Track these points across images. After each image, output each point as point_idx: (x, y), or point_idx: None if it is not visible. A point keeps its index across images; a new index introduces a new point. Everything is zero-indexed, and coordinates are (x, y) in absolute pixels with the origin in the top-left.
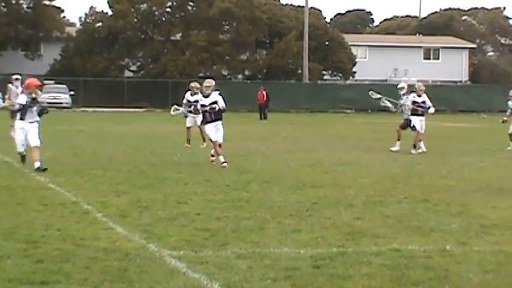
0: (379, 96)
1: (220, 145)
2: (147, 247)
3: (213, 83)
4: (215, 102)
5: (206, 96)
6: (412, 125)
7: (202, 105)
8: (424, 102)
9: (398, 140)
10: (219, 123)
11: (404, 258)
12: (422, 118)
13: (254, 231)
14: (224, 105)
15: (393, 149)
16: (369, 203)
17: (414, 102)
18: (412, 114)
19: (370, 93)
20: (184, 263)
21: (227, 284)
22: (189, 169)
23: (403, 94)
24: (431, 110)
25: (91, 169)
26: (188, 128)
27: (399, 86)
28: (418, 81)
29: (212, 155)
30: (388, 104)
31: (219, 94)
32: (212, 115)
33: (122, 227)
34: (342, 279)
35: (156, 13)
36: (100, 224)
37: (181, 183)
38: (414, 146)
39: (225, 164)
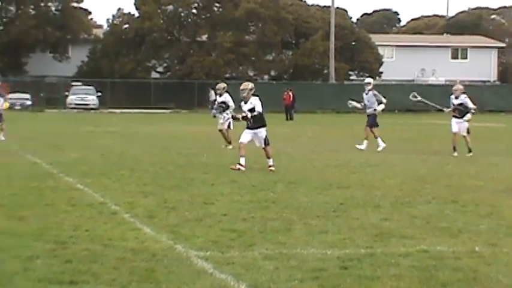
0: (419, 98)
1: (264, 149)
2: (175, 248)
3: (249, 86)
4: (253, 109)
5: (245, 102)
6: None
7: (244, 112)
8: (460, 104)
9: (366, 139)
10: (258, 130)
11: (432, 260)
12: (460, 120)
13: (281, 232)
14: (260, 110)
15: (360, 147)
16: (396, 203)
17: (453, 105)
18: (452, 116)
19: (411, 95)
20: (211, 263)
21: (254, 285)
22: (216, 170)
23: (369, 90)
24: (468, 115)
25: (118, 170)
26: (220, 130)
27: (365, 81)
28: (446, 81)
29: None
30: (431, 104)
31: (258, 98)
32: (251, 122)
33: (149, 227)
34: (369, 281)
35: (182, 14)
36: (128, 224)
37: (208, 184)
38: (469, 150)
39: (271, 168)
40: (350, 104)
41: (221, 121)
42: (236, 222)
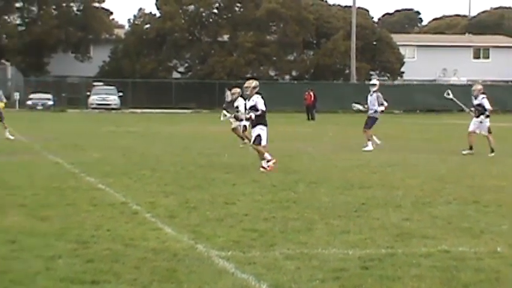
0: (451, 96)
1: (253, 147)
2: (196, 248)
3: (253, 84)
4: (253, 106)
5: (248, 99)
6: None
7: (246, 109)
8: (479, 104)
9: (369, 140)
10: (257, 127)
11: (454, 260)
12: (477, 120)
13: (302, 232)
14: (263, 108)
15: (365, 149)
16: (417, 203)
17: (472, 105)
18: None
19: (445, 93)
20: (232, 263)
21: (275, 285)
22: (237, 170)
23: (374, 91)
24: (482, 116)
25: (140, 170)
26: (233, 129)
27: (372, 83)
28: (468, 81)
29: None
30: (460, 104)
31: (261, 96)
32: (252, 119)
33: (171, 227)
34: (390, 281)
35: (204, 14)
36: (149, 224)
37: (229, 184)
38: (492, 150)
39: (261, 169)
40: (354, 106)
41: (232, 120)
42: (257, 222)
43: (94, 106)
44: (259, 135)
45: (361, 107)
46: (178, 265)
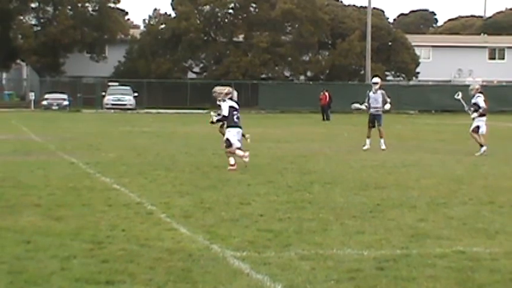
0: (459, 97)
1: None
2: (211, 248)
3: (225, 90)
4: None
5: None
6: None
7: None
8: (475, 103)
9: (381, 137)
10: (225, 130)
11: (469, 261)
12: (482, 118)
13: (317, 233)
14: (225, 113)
15: (364, 148)
16: (432, 204)
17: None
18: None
19: (456, 94)
20: (247, 263)
21: (290, 285)
22: (252, 170)
23: (377, 89)
24: (475, 113)
25: (155, 170)
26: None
27: (374, 81)
28: (483, 81)
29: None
30: (465, 105)
31: (227, 104)
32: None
33: (186, 227)
34: (405, 281)
35: (219, 14)
36: (164, 224)
37: (244, 184)
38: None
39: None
40: (354, 106)
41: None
42: (272, 222)
43: (109, 106)
44: (227, 139)
45: (361, 106)
46: (193, 265)
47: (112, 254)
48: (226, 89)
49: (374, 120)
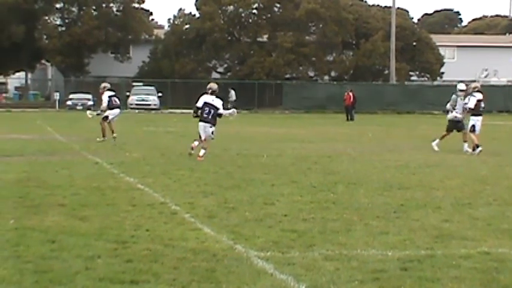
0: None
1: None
2: (235, 248)
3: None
4: (214, 106)
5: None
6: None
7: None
8: (466, 103)
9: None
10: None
11: (494, 262)
12: (473, 118)
13: (341, 233)
14: (198, 105)
15: (476, 152)
16: (457, 205)
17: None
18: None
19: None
20: (271, 264)
21: (314, 285)
22: (275, 170)
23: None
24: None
25: (178, 170)
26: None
27: (461, 88)
28: (508, 81)
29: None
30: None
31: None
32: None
33: (210, 227)
34: (430, 282)
35: (243, 15)
36: (188, 224)
37: (268, 185)
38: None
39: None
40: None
41: None
42: (296, 222)
43: (133, 106)
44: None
45: (229, 113)
46: (218, 265)
47: (136, 253)
48: (209, 85)
49: (456, 126)
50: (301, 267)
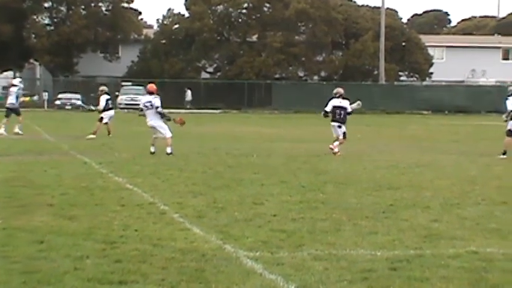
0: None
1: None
2: (224, 248)
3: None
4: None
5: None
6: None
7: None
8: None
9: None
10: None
11: (482, 261)
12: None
13: (330, 233)
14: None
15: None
16: (446, 205)
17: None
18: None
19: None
20: (260, 264)
21: (303, 285)
22: (265, 170)
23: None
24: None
25: (168, 170)
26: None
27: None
28: (496, 82)
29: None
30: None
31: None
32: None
33: (199, 227)
34: (419, 282)
35: (233, 14)
36: (177, 224)
37: (258, 184)
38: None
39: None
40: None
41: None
42: (286, 222)
43: (123, 106)
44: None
45: (355, 106)
46: (207, 265)
47: (125, 254)
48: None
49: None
50: (290, 267)
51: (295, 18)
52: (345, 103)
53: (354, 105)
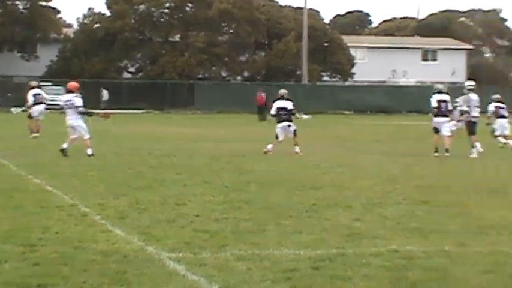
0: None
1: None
2: (146, 249)
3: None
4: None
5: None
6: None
7: None
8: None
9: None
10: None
11: (403, 259)
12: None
13: (253, 233)
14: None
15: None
16: (367, 204)
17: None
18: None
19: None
20: (183, 265)
21: (226, 286)
22: (188, 170)
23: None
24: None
25: (88, 171)
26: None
27: (469, 84)
28: (417, 82)
29: None
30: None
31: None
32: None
33: (121, 229)
34: (341, 281)
35: (155, 14)
36: (98, 226)
37: (180, 185)
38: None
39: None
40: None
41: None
42: (209, 223)
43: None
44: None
45: (305, 116)
46: (128, 267)
47: (44, 256)
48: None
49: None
50: (213, 268)
51: (219, 18)
52: (288, 104)
53: (304, 116)
